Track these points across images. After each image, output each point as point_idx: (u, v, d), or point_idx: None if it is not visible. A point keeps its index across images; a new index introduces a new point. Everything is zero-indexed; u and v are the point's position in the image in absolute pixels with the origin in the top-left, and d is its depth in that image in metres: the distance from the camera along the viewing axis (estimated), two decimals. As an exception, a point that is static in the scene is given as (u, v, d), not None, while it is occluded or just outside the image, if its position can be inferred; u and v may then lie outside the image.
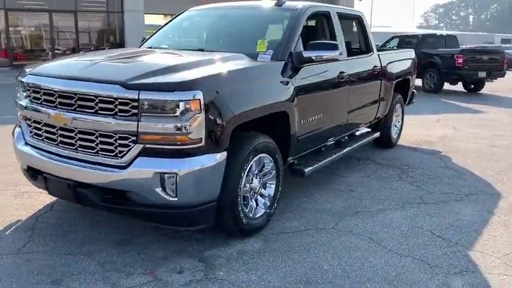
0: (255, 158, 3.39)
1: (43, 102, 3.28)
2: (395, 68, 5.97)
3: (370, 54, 5.42)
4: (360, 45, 5.57)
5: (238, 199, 3.22)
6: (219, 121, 2.97)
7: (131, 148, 2.91)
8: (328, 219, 3.86)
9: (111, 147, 2.98)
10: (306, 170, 4.12)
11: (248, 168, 3.32)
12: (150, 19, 21.49)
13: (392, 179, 5.04)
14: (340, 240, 3.48)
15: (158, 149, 2.88)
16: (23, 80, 3.47)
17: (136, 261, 3.08)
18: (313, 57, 3.89)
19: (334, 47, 3.97)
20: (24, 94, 3.48)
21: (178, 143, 2.86)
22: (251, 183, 3.46)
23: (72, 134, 3.13)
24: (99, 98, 2.95)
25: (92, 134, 3.03)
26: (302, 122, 3.97)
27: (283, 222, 3.77)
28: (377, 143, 6.38)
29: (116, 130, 2.92)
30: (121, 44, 20.25)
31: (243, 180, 3.27)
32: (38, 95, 3.32)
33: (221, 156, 3.02)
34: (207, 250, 3.25)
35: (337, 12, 4.82)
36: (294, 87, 3.77)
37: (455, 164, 5.70)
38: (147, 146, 2.88)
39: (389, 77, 5.78)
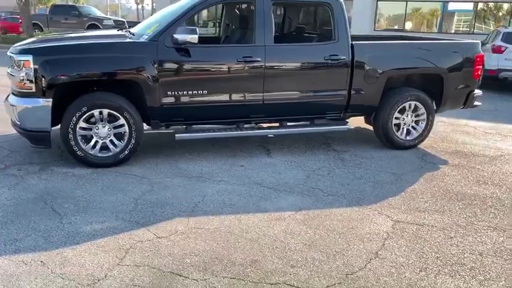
0: (94, 111, 4.61)
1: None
2: (389, 60, 5.45)
3: (329, 42, 5.27)
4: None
5: (70, 136, 4.59)
6: (44, 77, 4.42)
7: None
8: (165, 174, 4.67)
9: (16, 87, 4.89)
10: (176, 135, 4.96)
11: (85, 117, 4.60)
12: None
13: (306, 168, 5.00)
14: (131, 186, 4.34)
15: (16, 91, 4.61)
16: None
17: (17, 158, 4.94)
18: (179, 39, 4.64)
19: (192, 31, 4.61)
20: None
21: (21, 88, 4.51)
22: (97, 129, 4.71)
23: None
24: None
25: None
26: (171, 93, 4.81)
27: (131, 167, 4.81)
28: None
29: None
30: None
31: (79, 124, 4.59)
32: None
33: (45, 101, 4.47)
34: (62, 167, 4.75)
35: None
36: (155, 62, 4.68)
37: (423, 179, 4.92)
38: (14, 88, 4.65)
39: (371, 68, 5.37)
